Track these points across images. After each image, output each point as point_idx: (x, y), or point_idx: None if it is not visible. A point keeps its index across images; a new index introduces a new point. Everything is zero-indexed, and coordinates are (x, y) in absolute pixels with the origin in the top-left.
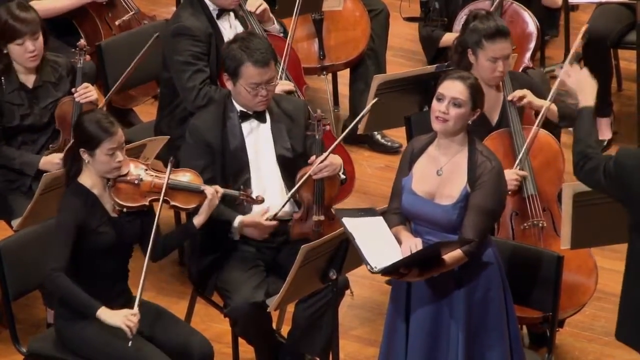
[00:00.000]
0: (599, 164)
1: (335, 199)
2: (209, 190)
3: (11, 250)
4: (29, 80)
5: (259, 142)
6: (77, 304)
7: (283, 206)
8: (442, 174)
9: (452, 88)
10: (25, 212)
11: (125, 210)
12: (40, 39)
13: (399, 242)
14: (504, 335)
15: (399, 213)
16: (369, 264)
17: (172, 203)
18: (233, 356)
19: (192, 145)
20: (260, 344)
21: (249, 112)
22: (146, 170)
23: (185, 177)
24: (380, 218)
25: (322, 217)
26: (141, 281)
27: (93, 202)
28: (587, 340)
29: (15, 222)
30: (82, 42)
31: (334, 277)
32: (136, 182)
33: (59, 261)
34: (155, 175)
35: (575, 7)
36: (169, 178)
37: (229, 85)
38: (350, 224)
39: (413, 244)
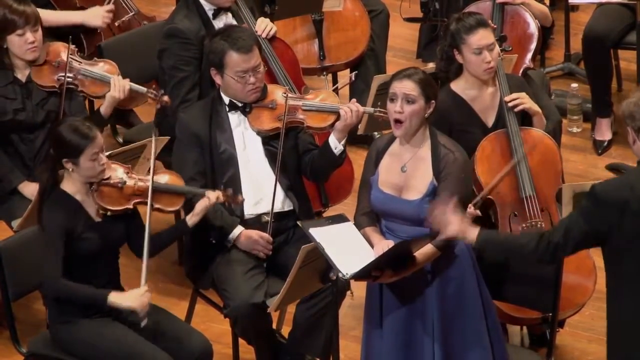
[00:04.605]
0: (567, 227)
1: (335, 197)
2: (209, 193)
3: (11, 250)
4: (23, 75)
5: (247, 134)
6: (85, 300)
7: (274, 196)
8: (406, 170)
9: (402, 86)
10: (25, 213)
11: (109, 213)
12: (40, 32)
13: (371, 245)
14: (481, 328)
15: (368, 213)
16: (340, 272)
17: (156, 205)
18: (233, 356)
19: (181, 139)
20: (261, 344)
21: (237, 103)
22: (127, 173)
23: (166, 178)
24: (350, 223)
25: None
26: (144, 260)
27: (76, 208)
28: (587, 341)
29: (15, 223)
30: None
31: (334, 277)
32: (119, 185)
33: (54, 269)
34: (138, 179)
35: (575, 8)
36: (153, 180)
37: (217, 79)
38: (318, 234)
39: (385, 246)
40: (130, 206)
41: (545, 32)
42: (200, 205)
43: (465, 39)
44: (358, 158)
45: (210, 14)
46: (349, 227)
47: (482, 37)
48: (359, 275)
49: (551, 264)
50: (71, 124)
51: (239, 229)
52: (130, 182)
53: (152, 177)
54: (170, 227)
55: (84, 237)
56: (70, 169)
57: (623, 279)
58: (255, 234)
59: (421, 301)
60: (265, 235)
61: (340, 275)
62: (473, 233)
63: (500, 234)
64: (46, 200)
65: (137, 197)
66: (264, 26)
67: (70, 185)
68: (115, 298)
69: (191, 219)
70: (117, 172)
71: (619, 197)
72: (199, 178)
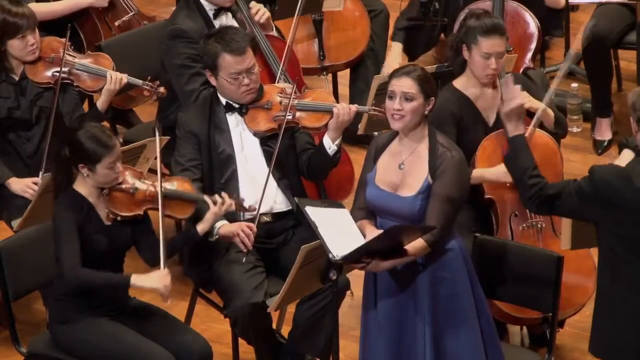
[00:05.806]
0: (562, 189)
1: (335, 197)
2: (216, 200)
3: (11, 250)
4: (17, 72)
5: (245, 135)
6: (107, 285)
7: (263, 193)
8: (404, 168)
9: (400, 84)
10: (25, 213)
11: (119, 218)
12: (37, 32)
13: (364, 235)
14: (474, 330)
15: (364, 208)
16: (330, 252)
17: (167, 212)
18: (233, 357)
19: (180, 137)
20: (261, 344)
21: (234, 104)
22: (140, 178)
23: (176, 185)
24: (345, 210)
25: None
26: (161, 245)
27: (88, 209)
28: (587, 341)
29: (15, 223)
30: None
31: (334, 277)
32: (131, 191)
33: (73, 258)
34: (151, 184)
35: (575, 7)
36: (162, 187)
37: (212, 81)
38: (314, 213)
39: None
40: (141, 212)
41: (553, 25)
42: (210, 214)
43: (479, 39)
44: (359, 158)
45: (210, 14)
46: (344, 213)
47: (495, 44)
48: (349, 258)
49: (536, 210)
50: (91, 131)
51: (223, 221)
52: (142, 188)
53: (160, 183)
54: (181, 234)
55: (93, 238)
56: (86, 174)
57: (618, 281)
58: (239, 222)
59: (414, 294)
60: (250, 224)
61: (330, 256)
62: (521, 128)
63: (529, 155)
64: (58, 198)
65: (148, 203)
66: (256, 10)
67: (83, 187)
68: (138, 280)
69: (200, 226)
70: (129, 178)
71: (614, 185)
72: (194, 170)
